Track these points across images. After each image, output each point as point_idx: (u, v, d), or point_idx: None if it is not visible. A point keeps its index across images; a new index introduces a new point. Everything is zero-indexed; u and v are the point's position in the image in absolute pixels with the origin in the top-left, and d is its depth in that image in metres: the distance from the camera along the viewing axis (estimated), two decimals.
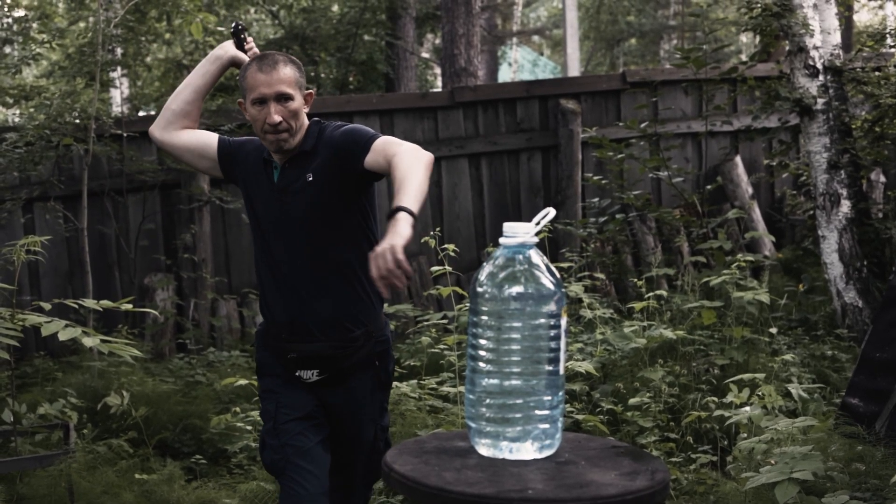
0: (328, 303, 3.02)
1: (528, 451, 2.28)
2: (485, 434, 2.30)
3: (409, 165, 2.72)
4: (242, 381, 4.76)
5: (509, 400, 2.26)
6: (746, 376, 4.49)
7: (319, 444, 3.05)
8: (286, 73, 2.98)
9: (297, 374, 3.07)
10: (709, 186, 7.18)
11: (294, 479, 2.98)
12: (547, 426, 2.29)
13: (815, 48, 6.11)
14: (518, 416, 2.26)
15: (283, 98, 2.97)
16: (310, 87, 3.12)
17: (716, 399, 4.66)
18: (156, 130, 3.22)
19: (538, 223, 2.33)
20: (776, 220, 8.45)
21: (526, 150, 8.14)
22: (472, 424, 2.32)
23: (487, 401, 2.28)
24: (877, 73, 6.48)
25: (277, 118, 2.95)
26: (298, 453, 3.00)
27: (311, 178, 3.00)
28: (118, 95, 11.18)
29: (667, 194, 8.23)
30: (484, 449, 2.31)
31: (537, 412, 2.27)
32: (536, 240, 2.30)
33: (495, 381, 2.27)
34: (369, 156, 2.91)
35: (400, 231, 2.47)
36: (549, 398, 2.28)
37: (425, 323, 5.78)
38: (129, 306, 3.71)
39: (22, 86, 7.94)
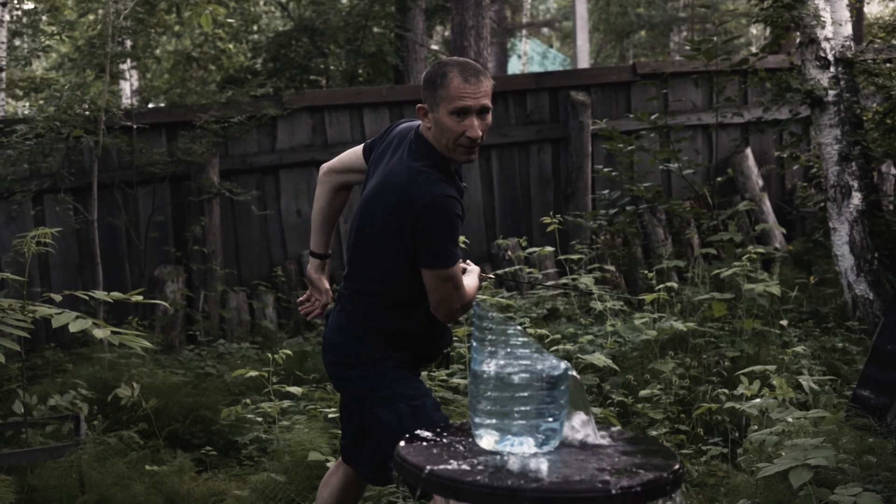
0: None
1: (531, 445, 2.28)
2: (488, 427, 2.29)
3: None
4: (252, 373, 4.77)
5: (513, 393, 2.25)
6: (757, 368, 4.48)
7: None
8: (488, 86, 2.85)
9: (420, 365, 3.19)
10: (719, 178, 7.15)
11: None
12: (550, 420, 2.28)
13: (827, 40, 6.08)
14: (522, 409, 2.25)
15: (485, 112, 2.85)
16: None
17: (726, 391, 4.65)
18: None
19: None
20: (787, 213, 8.42)
21: (536, 143, 8.12)
22: (476, 418, 2.31)
23: (490, 394, 2.27)
24: (888, 65, 6.44)
25: (480, 132, 2.85)
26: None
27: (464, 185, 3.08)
28: (128, 87, 11.21)
29: (677, 186, 8.21)
30: (487, 443, 2.30)
31: (541, 406, 2.26)
32: None
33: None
34: None
35: None
36: (554, 392, 2.27)
37: None
38: (140, 298, 3.72)
39: (32, 78, 7.96)
